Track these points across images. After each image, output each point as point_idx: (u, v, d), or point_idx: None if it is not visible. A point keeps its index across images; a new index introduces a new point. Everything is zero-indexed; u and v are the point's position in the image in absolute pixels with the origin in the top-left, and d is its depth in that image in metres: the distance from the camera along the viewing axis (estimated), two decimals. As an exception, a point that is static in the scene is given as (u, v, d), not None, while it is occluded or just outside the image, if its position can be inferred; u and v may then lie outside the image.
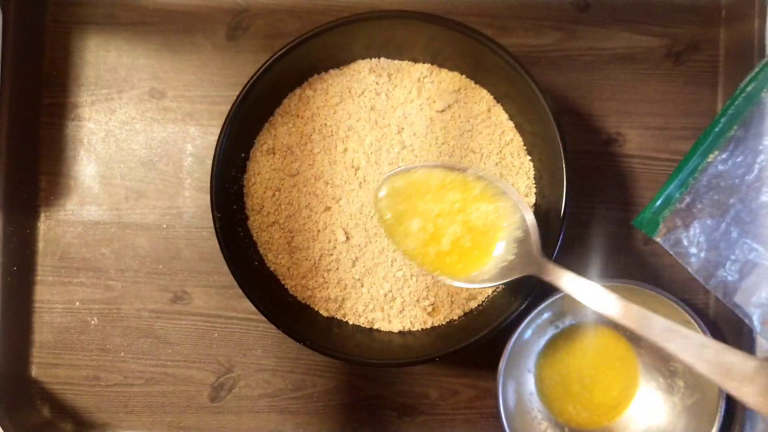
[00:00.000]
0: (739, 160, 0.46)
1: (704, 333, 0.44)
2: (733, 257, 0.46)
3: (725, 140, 0.46)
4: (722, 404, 0.44)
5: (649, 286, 0.44)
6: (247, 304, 0.44)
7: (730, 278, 0.46)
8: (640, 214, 0.48)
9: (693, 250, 0.46)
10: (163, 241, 0.51)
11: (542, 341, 0.48)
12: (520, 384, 0.48)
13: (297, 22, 0.51)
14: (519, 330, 0.44)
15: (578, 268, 0.49)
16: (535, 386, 0.48)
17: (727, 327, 0.49)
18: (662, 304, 0.45)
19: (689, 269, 0.47)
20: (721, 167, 0.46)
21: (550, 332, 0.48)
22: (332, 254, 0.47)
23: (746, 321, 0.45)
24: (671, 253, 0.47)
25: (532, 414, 0.48)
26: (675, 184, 0.47)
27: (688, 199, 0.47)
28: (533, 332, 0.47)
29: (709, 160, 0.47)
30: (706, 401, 0.45)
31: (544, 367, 0.49)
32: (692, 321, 0.44)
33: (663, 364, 0.47)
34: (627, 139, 0.50)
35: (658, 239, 0.47)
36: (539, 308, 0.44)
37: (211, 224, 0.44)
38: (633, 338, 0.48)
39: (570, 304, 0.47)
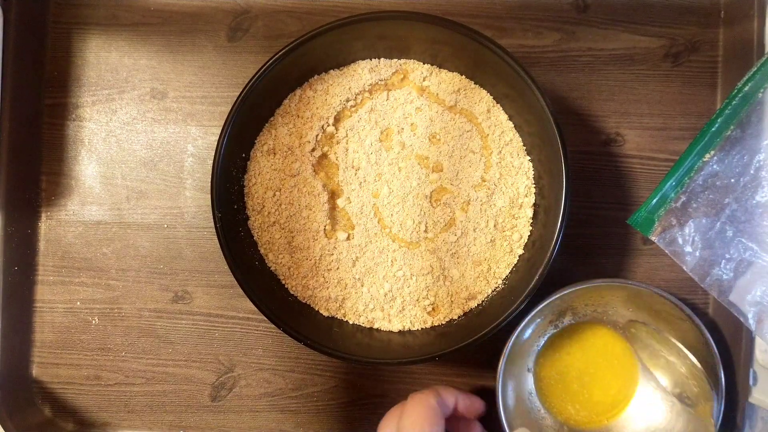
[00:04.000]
0: (735, 159, 0.46)
1: (702, 332, 0.44)
2: (728, 256, 0.46)
3: (722, 140, 0.46)
4: (721, 404, 0.44)
5: (648, 285, 0.45)
6: (248, 304, 0.44)
7: (725, 277, 0.46)
8: (635, 213, 0.48)
9: (688, 248, 0.46)
10: (164, 241, 0.51)
11: (541, 341, 0.48)
12: (520, 383, 0.48)
13: (297, 23, 0.51)
14: (518, 330, 0.44)
15: (578, 268, 0.50)
16: (534, 385, 0.49)
17: (726, 326, 0.49)
18: (661, 304, 0.45)
19: (684, 268, 0.47)
20: (717, 167, 0.47)
21: (550, 332, 0.49)
22: (332, 254, 0.47)
23: (741, 319, 0.46)
24: (666, 251, 0.47)
25: (532, 413, 0.48)
26: (671, 183, 0.47)
27: (683, 198, 0.47)
28: (532, 332, 0.47)
29: (705, 159, 0.47)
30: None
31: (544, 367, 0.49)
32: (691, 320, 0.44)
33: (662, 363, 0.48)
34: (626, 139, 0.50)
35: (653, 238, 0.48)
36: (539, 308, 0.44)
37: (212, 224, 0.44)
38: (632, 338, 0.48)
39: (569, 304, 0.47)
